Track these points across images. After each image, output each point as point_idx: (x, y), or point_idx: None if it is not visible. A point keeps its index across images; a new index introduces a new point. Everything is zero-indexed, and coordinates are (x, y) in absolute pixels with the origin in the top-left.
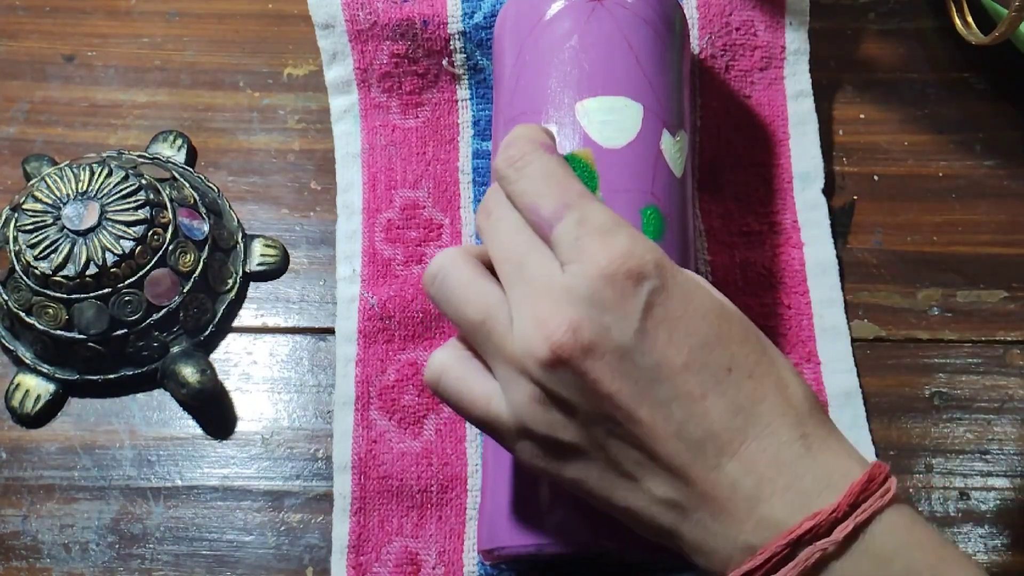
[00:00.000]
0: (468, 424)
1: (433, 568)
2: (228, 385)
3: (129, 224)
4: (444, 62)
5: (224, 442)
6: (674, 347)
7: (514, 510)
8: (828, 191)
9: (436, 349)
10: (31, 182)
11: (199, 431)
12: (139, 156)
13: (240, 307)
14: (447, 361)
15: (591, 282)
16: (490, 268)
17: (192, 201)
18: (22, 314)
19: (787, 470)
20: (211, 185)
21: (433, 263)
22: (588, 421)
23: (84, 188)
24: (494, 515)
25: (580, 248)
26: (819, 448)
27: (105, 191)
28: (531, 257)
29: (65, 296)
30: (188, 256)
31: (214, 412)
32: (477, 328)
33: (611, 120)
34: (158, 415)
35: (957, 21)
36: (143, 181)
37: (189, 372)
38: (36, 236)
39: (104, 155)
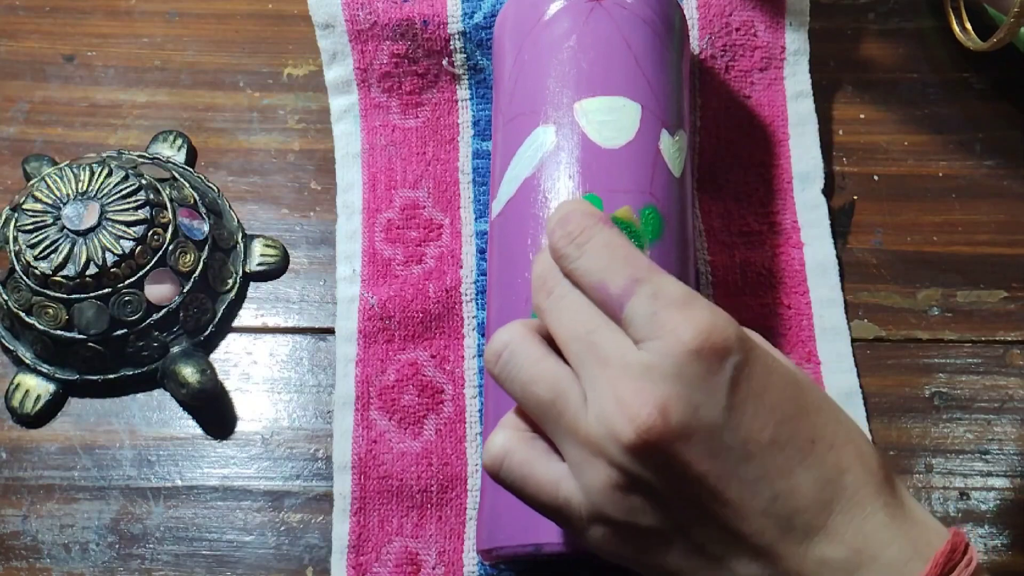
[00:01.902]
0: (468, 424)
1: (433, 568)
2: (228, 385)
3: (129, 224)
4: (444, 62)
5: (224, 442)
6: (759, 422)
7: (513, 510)
8: (828, 191)
9: (494, 431)
10: (31, 182)
11: (199, 431)
12: (139, 156)
13: (240, 307)
14: (509, 444)
15: (675, 359)
16: (551, 343)
17: (192, 201)
18: (22, 314)
19: (873, 541)
20: (211, 185)
21: (496, 340)
22: (672, 504)
23: (84, 188)
24: (493, 515)
25: (659, 324)
26: (901, 516)
27: (105, 191)
28: (602, 335)
29: (65, 296)
30: (188, 256)
31: (214, 412)
32: (547, 408)
33: (609, 120)
34: (158, 415)
35: (955, 27)
36: (143, 181)
37: (189, 372)
38: (36, 236)
39: (104, 155)
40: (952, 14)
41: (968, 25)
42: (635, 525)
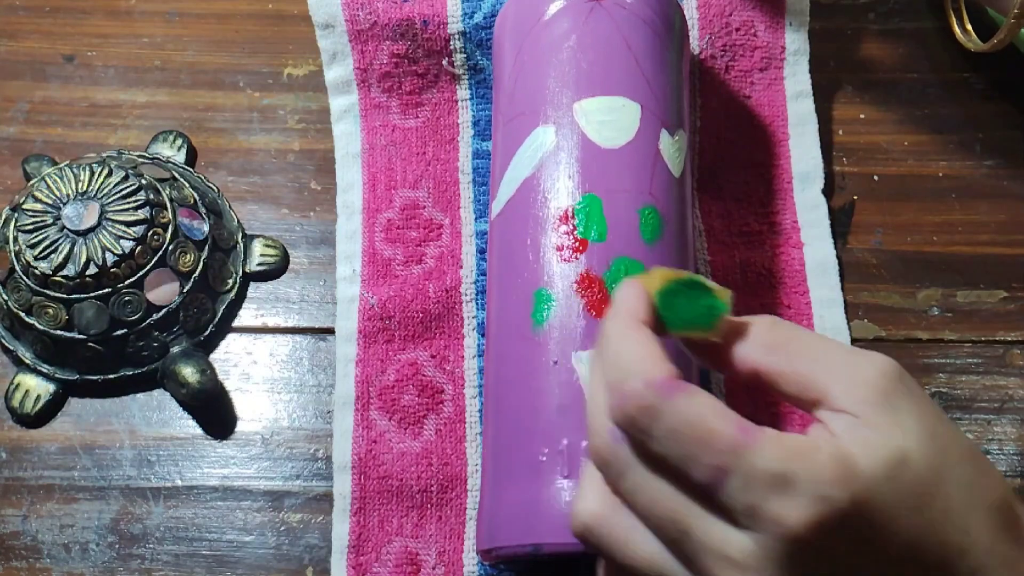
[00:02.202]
0: (468, 424)
1: (433, 568)
2: (228, 385)
3: (129, 224)
4: (444, 62)
5: (224, 442)
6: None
7: (512, 510)
8: (828, 191)
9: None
10: (31, 182)
11: (199, 431)
12: (139, 156)
13: (240, 307)
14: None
15: (782, 550)
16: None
17: (192, 201)
18: (22, 314)
19: None
20: (211, 185)
21: (580, 516)
22: None
23: (84, 188)
24: (492, 515)
25: (759, 517)
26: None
27: (105, 191)
28: (692, 522)
29: (65, 296)
30: (188, 256)
31: (214, 412)
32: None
33: (609, 120)
34: (158, 415)
35: (956, 28)
36: (143, 181)
37: (189, 372)
38: (36, 236)
39: (104, 155)
40: (953, 15)
41: (968, 26)
42: None
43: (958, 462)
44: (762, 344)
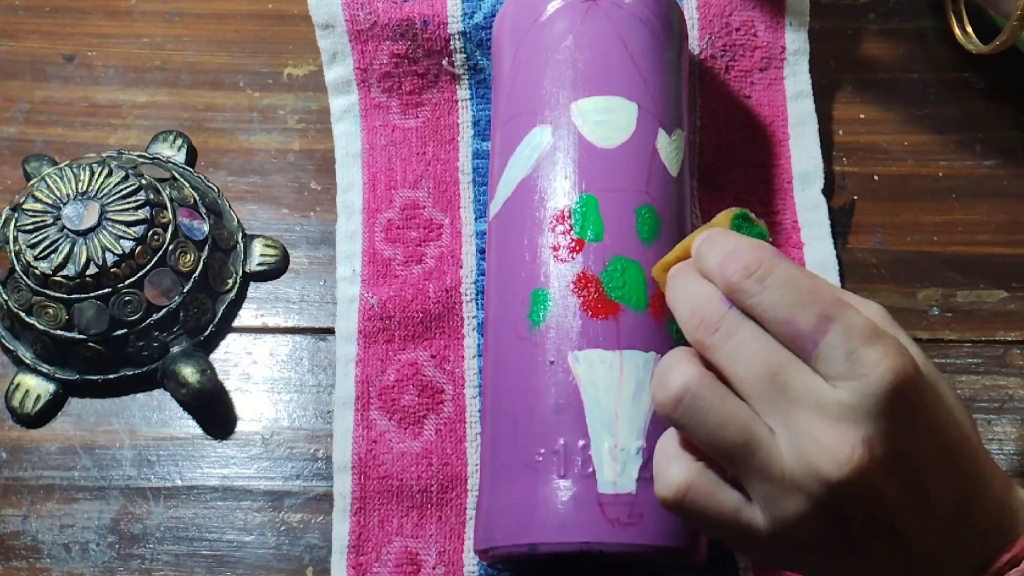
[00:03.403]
0: (468, 424)
1: (433, 568)
2: (228, 385)
3: (129, 224)
4: (444, 62)
5: (224, 442)
6: (938, 449)
7: (510, 510)
8: (828, 191)
9: (666, 462)
10: (31, 182)
11: (199, 431)
12: (139, 156)
13: (240, 307)
14: (690, 476)
15: (877, 398)
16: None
17: (192, 201)
18: (22, 314)
19: None
20: (211, 185)
21: (674, 384)
22: (862, 527)
23: (84, 188)
24: (489, 515)
25: (858, 362)
26: None
27: (105, 191)
28: (791, 374)
29: (65, 296)
30: (188, 256)
31: (214, 412)
32: (738, 450)
33: (606, 120)
34: (158, 415)
35: (956, 30)
36: (143, 181)
37: (189, 372)
38: (36, 236)
39: (104, 155)
40: (953, 17)
41: (969, 28)
42: (821, 547)
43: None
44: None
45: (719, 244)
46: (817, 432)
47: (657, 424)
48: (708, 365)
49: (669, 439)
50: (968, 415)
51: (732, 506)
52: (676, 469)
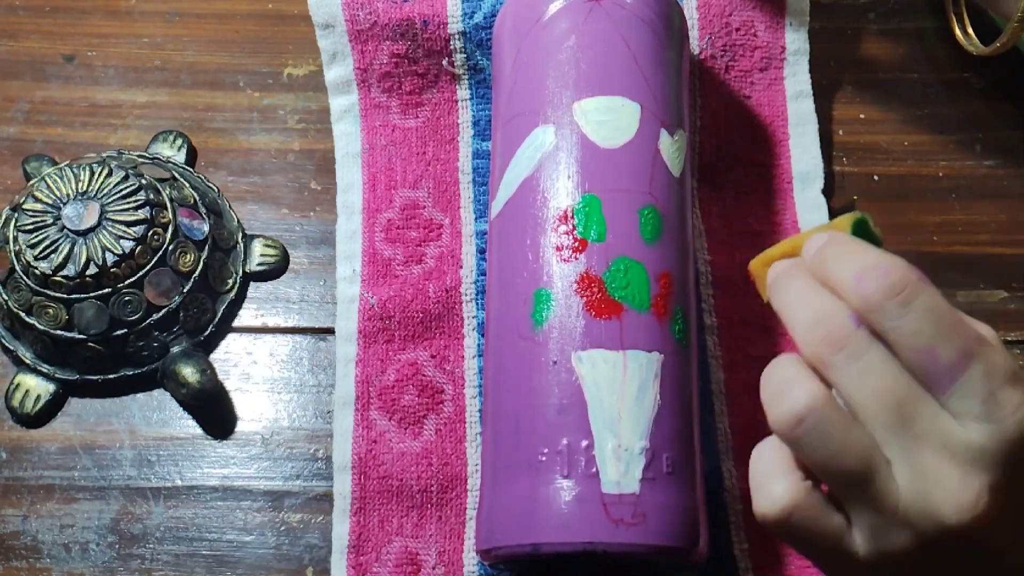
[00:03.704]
0: (468, 424)
1: (433, 568)
2: (228, 385)
3: (129, 224)
4: (444, 62)
5: (224, 442)
6: None
7: (512, 510)
8: (828, 191)
9: (770, 479)
10: (31, 182)
11: (199, 431)
12: (139, 156)
13: (240, 307)
14: (798, 497)
15: (1010, 445)
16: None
17: (192, 201)
18: (22, 314)
19: None
20: (211, 185)
21: (799, 404)
22: (963, 571)
23: (84, 188)
24: (491, 515)
25: (996, 405)
26: None
27: (105, 191)
28: (920, 407)
29: (65, 296)
30: (188, 256)
31: (214, 412)
32: (854, 478)
33: (608, 120)
34: (158, 415)
35: (957, 31)
36: (143, 181)
37: (189, 372)
38: (36, 236)
39: (104, 155)
40: (954, 17)
41: (970, 29)
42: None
43: None
44: None
45: (854, 255)
46: (941, 472)
47: (660, 424)
48: (823, 381)
49: (772, 453)
50: None
51: (835, 531)
52: (782, 487)
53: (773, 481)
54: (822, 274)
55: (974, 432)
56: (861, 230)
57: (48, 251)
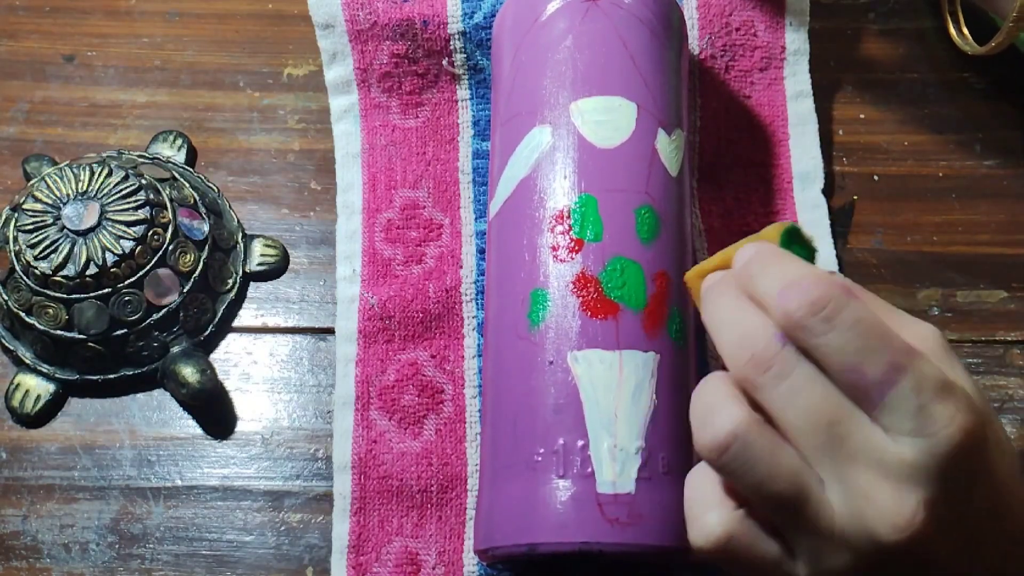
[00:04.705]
0: (468, 424)
1: (433, 568)
2: (228, 385)
3: (129, 224)
4: (444, 62)
5: (224, 442)
6: (990, 512)
7: (509, 510)
8: (828, 191)
9: (705, 510)
10: (31, 182)
11: (199, 431)
12: (139, 156)
13: (240, 307)
14: (731, 527)
15: (943, 459)
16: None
17: (192, 201)
18: (22, 314)
19: None
20: (211, 185)
21: (721, 428)
22: None
23: (84, 188)
24: (489, 515)
25: (928, 419)
26: None
27: (105, 191)
28: (850, 425)
29: (65, 296)
30: (188, 256)
31: (214, 412)
32: (787, 502)
33: (605, 120)
34: (158, 415)
35: (953, 31)
36: (143, 181)
37: (189, 372)
38: (36, 236)
39: (104, 155)
40: (949, 18)
41: (965, 30)
42: None
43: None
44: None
45: (778, 269)
46: (875, 491)
47: (656, 424)
48: (751, 401)
49: (703, 481)
50: (1016, 458)
51: (773, 557)
52: (715, 518)
53: (706, 512)
54: (749, 289)
55: (907, 448)
56: (792, 239)
57: (48, 251)
